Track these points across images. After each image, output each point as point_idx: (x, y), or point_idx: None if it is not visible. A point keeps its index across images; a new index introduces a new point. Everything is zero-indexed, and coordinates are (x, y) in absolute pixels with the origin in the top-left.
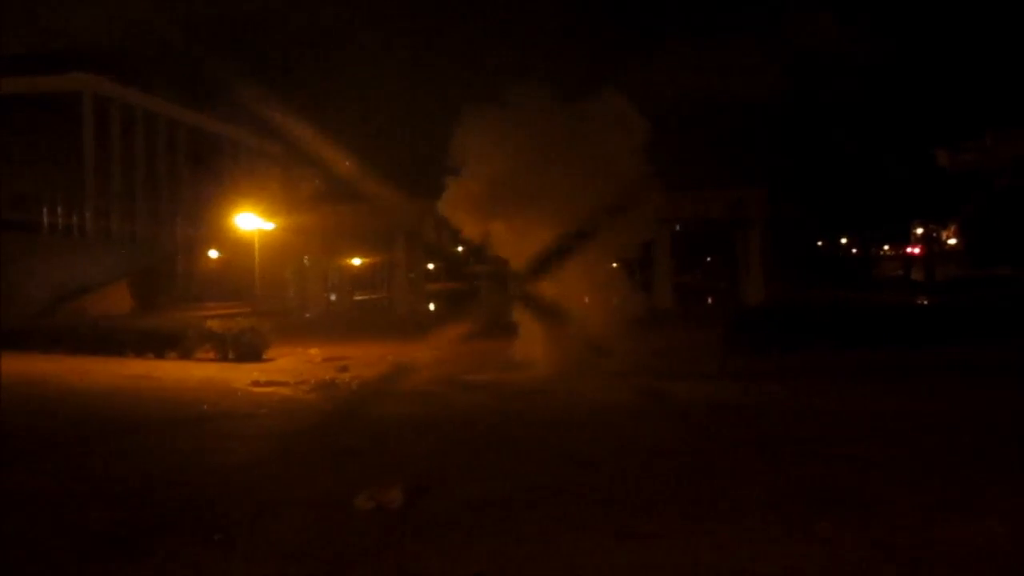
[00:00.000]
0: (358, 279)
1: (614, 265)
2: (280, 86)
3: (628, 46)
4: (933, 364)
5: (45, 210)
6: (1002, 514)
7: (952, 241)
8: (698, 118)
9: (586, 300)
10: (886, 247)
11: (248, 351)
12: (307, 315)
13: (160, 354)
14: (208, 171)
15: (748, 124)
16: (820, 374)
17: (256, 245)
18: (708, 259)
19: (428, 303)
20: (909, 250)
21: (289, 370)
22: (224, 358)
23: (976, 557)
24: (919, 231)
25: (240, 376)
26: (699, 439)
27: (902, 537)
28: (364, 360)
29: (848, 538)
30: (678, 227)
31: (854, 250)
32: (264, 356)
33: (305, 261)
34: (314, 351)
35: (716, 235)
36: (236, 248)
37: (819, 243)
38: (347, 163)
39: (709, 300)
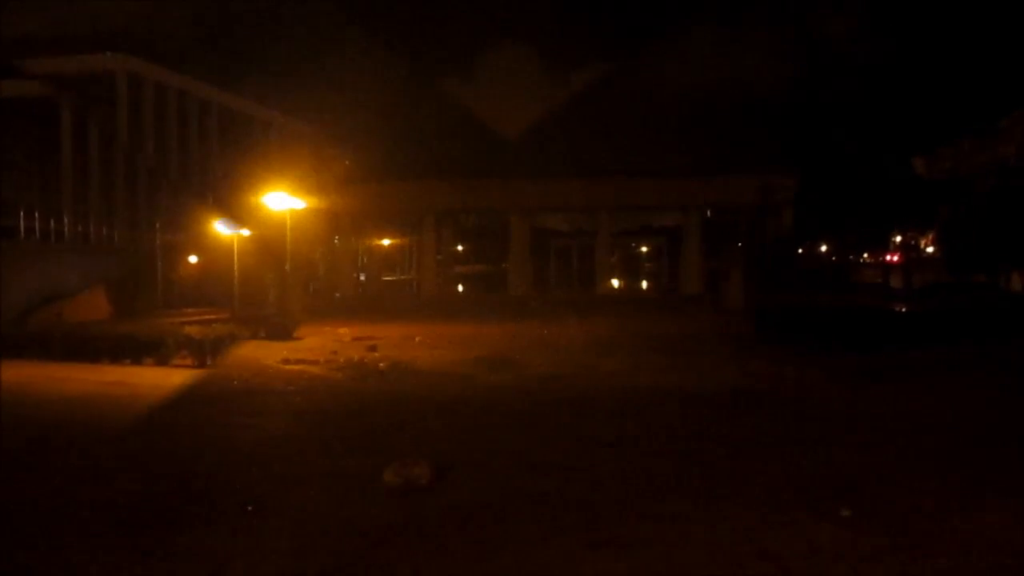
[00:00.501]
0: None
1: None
2: (304, 69)
3: (638, 38)
4: (933, 364)
5: (22, 215)
6: (1003, 511)
7: (930, 249)
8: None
9: None
10: (865, 255)
11: (279, 329)
12: (336, 295)
13: (137, 360)
14: (187, 176)
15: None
16: (824, 374)
17: (235, 250)
18: (739, 244)
19: (456, 285)
20: (888, 257)
21: (318, 349)
22: (202, 365)
23: (977, 554)
24: (898, 238)
25: (271, 353)
26: (701, 437)
27: (902, 535)
28: (392, 341)
29: (848, 538)
30: (708, 213)
31: (833, 257)
32: (294, 335)
33: (336, 242)
34: (343, 331)
35: (744, 222)
36: (215, 253)
37: (799, 249)
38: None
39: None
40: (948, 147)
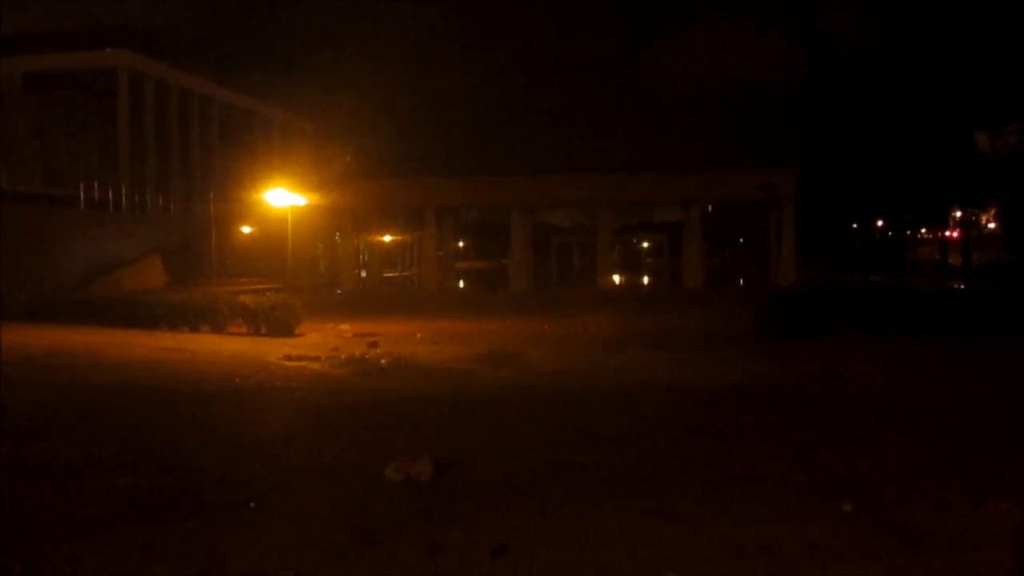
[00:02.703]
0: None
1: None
2: (313, 62)
3: (658, 27)
4: (959, 350)
5: (81, 185)
6: (1018, 499)
7: (992, 226)
8: (730, 99)
9: None
10: (923, 231)
11: (279, 326)
12: (338, 291)
13: (194, 327)
14: (241, 147)
15: (780, 106)
16: (847, 358)
17: (289, 221)
18: (740, 240)
19: (457, 281)
20: (947, 234)
21: (320, 345)
22: (256, 332)
23: (991, 542)
24: (957, 214)
25: (272, 350)
26: (722, 421)
27: (919, 520)
28: (393, 336)
29: (866, 520)
30: (710, 208)
31: (890, 233)
32: (295, 331)
33: (336, 238)
34: (345, 327)
35: (748, 217)
36: (268, 224)
37: (853, 225)
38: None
39: (740, 282)
40: (1013, 123)
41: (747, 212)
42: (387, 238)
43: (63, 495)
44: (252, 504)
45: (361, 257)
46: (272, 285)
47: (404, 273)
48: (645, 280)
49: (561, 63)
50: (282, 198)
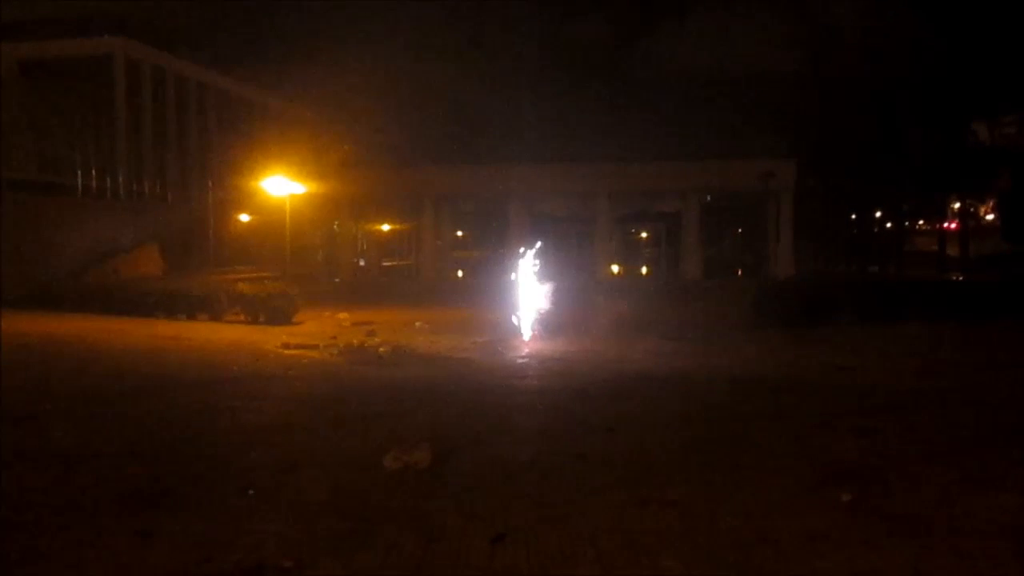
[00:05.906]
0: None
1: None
2: (310, 50)
3: (656, 15)
4: (958, 338)
5: (78, 172)
6: (1021, 489)
7: (990, 217)
8: (728, 89)
9: None
10: (921, 222)
11: (277, 314)
12: (336, 280)
13: (191, 316)
14: (239, 135)
15: (778, 96)
16: (845, 347)
17: (287, 210)
18: (739, 231)
19: (456, 270)
20: (945, 225)
21: (318, 333)
22: (254, 321)
23: (993, 531)
24: (956, 205)
25: (270, 338)
26: (720, 410)
27: (919, 510)
28: (391, 325)
29: (866, 510)
30: (708, 198)
31: (888, 224)
32: (293, 319)
33: (335, 227)
34: (343, 315)
35: (746, 207)
36: (266, 212)
37: (852, 216)
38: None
39: (738, 272)
40: (1012, 113)
41: (745, 203)
42: (385, 227)
43: (60, 482)
44: (251, 492)
45: (359, 246)
46: (270, 274)
47: (402, 262)
48: (644, 270)
49: (559, 52)
50: (280, 186)
